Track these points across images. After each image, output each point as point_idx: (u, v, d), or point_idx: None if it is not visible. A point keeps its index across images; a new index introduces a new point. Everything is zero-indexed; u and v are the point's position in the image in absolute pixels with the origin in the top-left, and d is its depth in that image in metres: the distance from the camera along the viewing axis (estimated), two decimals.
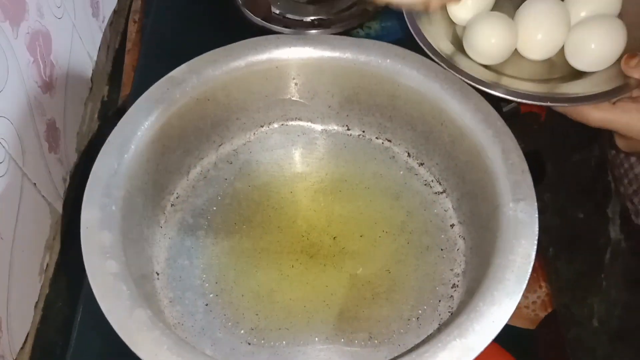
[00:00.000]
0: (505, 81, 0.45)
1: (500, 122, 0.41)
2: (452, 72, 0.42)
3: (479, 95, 0.43)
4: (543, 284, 0.50)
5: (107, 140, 0.40)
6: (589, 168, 0.73)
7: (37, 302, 0.56)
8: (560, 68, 0.48)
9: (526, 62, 0.48)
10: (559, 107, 0.45)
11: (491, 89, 0.42)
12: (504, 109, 0.71)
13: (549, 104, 0.43)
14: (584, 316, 0.63)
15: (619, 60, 0.45)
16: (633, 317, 0.63)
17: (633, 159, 0.58)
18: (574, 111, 0.44)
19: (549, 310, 0.49)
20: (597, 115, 0.43)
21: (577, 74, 0.47)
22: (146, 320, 0.32)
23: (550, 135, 0.75)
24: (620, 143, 0.46)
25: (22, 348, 0.53)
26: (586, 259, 0.68)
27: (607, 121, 0.43)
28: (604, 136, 0.67)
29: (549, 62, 0.48)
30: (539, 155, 0.66)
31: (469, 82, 0.43)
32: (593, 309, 0.63)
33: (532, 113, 0.75)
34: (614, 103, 0.44)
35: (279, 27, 0.66)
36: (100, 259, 0.34)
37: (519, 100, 0.42)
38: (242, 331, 0.40)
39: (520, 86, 0.44)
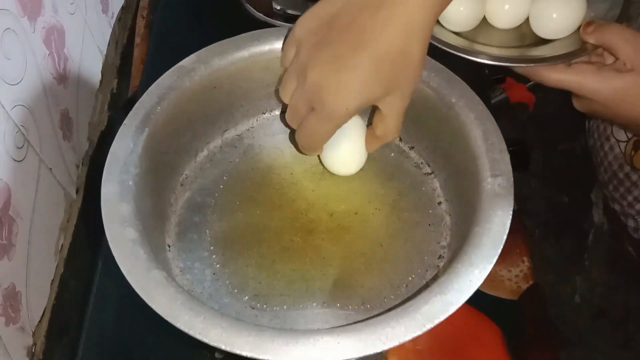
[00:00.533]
0: (475, 47, 0.49)
1: (481, 107, 0.45)
2: None
3: (463, 82, 0.47)
4: (525, 259, 0.54)
5: (123, 123, 0.43)
6: (575, 156, 0.76)
7: (52, 280, 0.60)
8: (528, 36, 0.52)
9: (496, 31, 0.53)
10: (519, 68, 0.49)
11: (455, 50, 0.47)
12: (493, 101, 0.74)
13: (508, 64, 0.47)
14: (567, 294, 0.67)
15: (579, 29, 0.49)
16: (613, 295, 0.66)
17: (607, 147, 0.62)
18: (533, 72, 0.49)
19: (530, 282, 0.52)
20: (553, 76, 0.47)
21: (543, 42, 0.51)
22: (162, 280, 0.35)
23: (538, 125, 0.79)
24: (576, 104, 0.50)
25: (39, 322, 0.57)
26: (570, 241, 0.71)
27: (561, 81, 0.47)
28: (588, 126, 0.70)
29: (517, 31, 0.53)
30: (524, 145, 0.70)
31: (437, 44, 0.47)
32: (576, 287, 0.67)
33: (520, 104, 0.79)
34: (570, 65, 0.48)
35: (279, 22, 0.70)
36: (120, 227, 0.38)
37: (480, 60, 0.47)
38: (246, 297, 0.44)
39: (488, 51, 0.49)
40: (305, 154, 0.48)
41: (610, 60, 0.49)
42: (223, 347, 0.33)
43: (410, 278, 0.45)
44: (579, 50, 0.47)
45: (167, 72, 0.46)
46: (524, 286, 0.52)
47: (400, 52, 0.38)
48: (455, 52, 0.48)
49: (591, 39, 0.47)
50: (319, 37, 0.39)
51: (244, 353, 0.32)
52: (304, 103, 0.41)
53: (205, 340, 0.33)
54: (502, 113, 0.69)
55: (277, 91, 0.47)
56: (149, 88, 0.45)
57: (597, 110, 0.49)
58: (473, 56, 0.47)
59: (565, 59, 0.47)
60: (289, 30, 0.43)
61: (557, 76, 0.47)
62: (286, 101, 0.43)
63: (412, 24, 0.37)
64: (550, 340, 0.50)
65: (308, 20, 0.41)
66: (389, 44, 0.37)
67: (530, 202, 0.72)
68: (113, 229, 0.37)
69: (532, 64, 0.47)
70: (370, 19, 0.37)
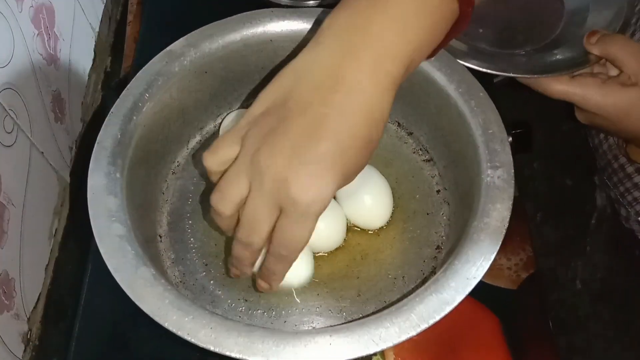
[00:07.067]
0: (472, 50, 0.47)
1: (482, 94, 0.43)
2: None
3: (464, 67, 0.45)
4: (526, 247, 0.52)
5: (110, 112, 0.42)
6: (578, 137, 0.75)
7: (47, 265, 0.59)
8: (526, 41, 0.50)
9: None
10: (521, 78, 0.47)
11: (456, 57, 0.45)
12: (495, 80, 0.72)
13: (511, 74, 0.45)
14: (568, 278, 0.66)
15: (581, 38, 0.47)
16: (614, 279, 0.65)
17: (602, 136, 0.60)
18: (536, 82, 0.47)
19: (531, 271, 0.51)
20: (557, 88, 0.45)
21: (542, 48, 0.50)
22: (150, 277, 0.35)
23: (541, 102, 0.77)
24: (579, 116, 0.48)
25: (34, 307, 0.56)
26: (572, 224, 0.70)
27: (566, 93, 0.46)
28: None
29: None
30: (528, 126, 0.68)
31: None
32: (576, 271, 0.66)
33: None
34: (573, 77, 0.46)
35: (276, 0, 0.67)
36: (106, 222, 0.37)
37: (483, 70, 0.45)
38: (239, 289, 0.43)
39: (488, 60, 0.47)
40: (272, 289, 0.38)
41: (613, 71, 0.47)
42: (212, 349, 0.32)
43: (406, 270, 0.44)
44: (583, 60, 0.46)
45: (156, 57, 0.45)
46: (524, 275, 0.51)
47: (363, 139, 0.33)
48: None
49: (595, 50, 0.46)
50: (270, 126, 0.33)
51: (233, 354, 0.32)
52: (268, 208, 0.33)
53: (194, 341, 0.32)
54: (504, 91, 0.67)
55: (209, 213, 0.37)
56: (137, 74, 0.43)
57: (600, 124, 0.47)
58: (475, 65, 0.45)
59: (568, 69, 0.45)
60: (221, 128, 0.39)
61: (560, 87, 0.46)
62: (228, 213, 0.35)
63: (373, 112, 0.33)
64: (549, 331, 0.50)
65: (256, 108, 0.35)
66: (353, 134, 0.33)
67: (532, 184, 0.70)
68: (100, 225, 0.36)
69: (534, 75, 0.46)
70: (324, 104, 0.33)
